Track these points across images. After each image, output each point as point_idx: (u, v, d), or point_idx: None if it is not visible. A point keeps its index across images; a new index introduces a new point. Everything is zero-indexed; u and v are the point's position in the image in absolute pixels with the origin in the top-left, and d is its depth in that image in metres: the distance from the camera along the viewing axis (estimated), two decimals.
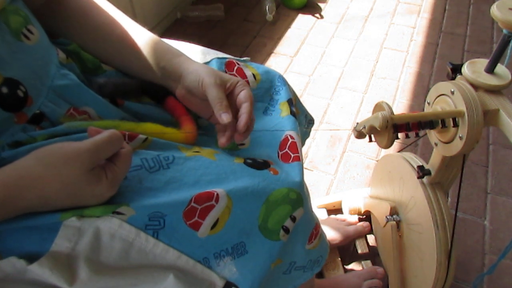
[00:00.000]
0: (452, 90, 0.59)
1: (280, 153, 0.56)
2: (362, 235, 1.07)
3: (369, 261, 1.02)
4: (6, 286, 0.40)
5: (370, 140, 0.64)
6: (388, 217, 0.90)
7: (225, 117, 0.49)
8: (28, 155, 0.39)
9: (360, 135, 0.64)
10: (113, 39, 0.56)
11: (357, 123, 0.66)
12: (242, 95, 0.51)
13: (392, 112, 0.58)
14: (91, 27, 0.56)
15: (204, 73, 0.52)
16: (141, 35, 0.57)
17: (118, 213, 0.42)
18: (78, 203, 0.41)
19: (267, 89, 0.63)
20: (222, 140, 0.52)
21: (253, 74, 0.62)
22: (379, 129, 0.58)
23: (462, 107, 0.57)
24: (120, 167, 0.42)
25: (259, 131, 0.59)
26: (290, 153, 0.55)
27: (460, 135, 0.58)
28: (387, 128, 0.58)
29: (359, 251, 1.04)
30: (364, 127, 0.63)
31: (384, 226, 0.91)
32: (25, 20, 0.48)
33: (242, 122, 0.49)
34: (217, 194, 0.44)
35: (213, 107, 0.50)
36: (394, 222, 0.90)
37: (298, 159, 0.54)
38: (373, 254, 1.05)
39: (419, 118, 0.60)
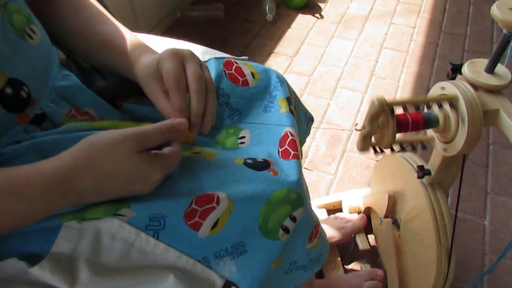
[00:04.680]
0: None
1: (280, 150, 0.56)
2: (361, 228, 1.07)
3: (368, 265, 1.02)
4: (7, 287, 0.40)
5: (375, 152, 0.63)
6: (382, 219, 0.91)
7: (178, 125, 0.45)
8: (76, 144, 0.40)
9: (364, 147, 0.62)
10: (95, 39, 0.55)
11: (357, 124, 0.66)
12: (190, 73, 0.49)
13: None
14: (72, 28, 0.56)
15: (158, 56, 0.50)
16: (123, 35, 0.56)
17: (119, 215, 0.42)
18: (130, 186, 0.41)
19: (266, 87, 0.63)
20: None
21: (252, 73, 0.62)
22: (377, 114, 0.57)
23: (462, 107, 0.57)
24: (169, 155, 0.43)
25: (260, 124, 0.59)
26: (290, 150, 0.55)
27: (460, 135, 0.58)
28: (385, 114, 0.58)
29: (360, 248, 1.04)
30: (365, 127, 0.63)
31: (384, 217, 0.92)
32: (28, 19, 0.48)
33: (193, 118, 0.49)
34: (218, 197, 0.44)
35: (168, 90, 0.48)
36: (390, 220, 0.90)
37: (297, 157, 0.54)
38: (373, 255, 1.05)
39: (415, 102, 0.61)
